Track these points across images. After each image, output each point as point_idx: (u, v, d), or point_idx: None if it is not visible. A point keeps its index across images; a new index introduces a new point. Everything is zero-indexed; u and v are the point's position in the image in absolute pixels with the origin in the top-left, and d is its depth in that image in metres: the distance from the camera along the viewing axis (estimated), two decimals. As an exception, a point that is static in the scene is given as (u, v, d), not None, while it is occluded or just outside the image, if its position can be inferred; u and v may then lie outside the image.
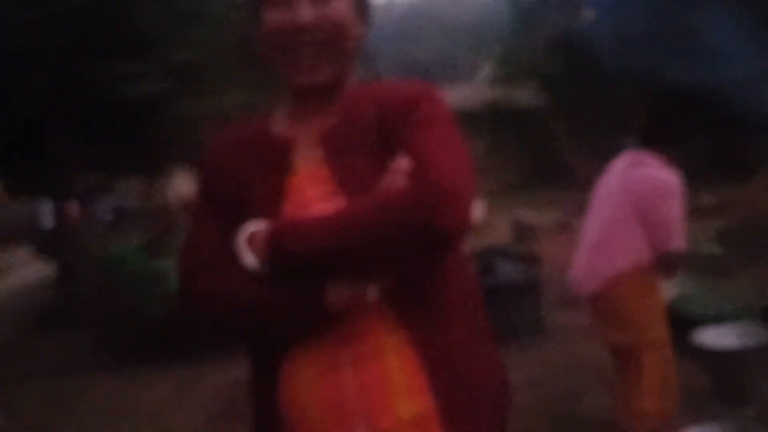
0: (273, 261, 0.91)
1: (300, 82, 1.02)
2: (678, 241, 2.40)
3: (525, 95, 15.71)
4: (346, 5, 1.02)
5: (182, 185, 14.31)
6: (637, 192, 2.44)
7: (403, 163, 0.94)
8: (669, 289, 3.35)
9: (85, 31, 5.00)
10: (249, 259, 0.93)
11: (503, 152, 15.97)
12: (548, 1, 15.87)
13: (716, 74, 10.55)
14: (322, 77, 1.02)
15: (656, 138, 2.54)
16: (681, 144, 2.61)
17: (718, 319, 3.34)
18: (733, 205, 8.66)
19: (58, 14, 4.70)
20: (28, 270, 10.98)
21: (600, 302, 2.55)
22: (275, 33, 1.00)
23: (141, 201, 13.07)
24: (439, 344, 0.95)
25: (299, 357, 0.95)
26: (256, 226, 0.95)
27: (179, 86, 5.70)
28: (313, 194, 1.01)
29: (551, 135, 15.06)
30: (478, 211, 10.27)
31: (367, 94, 1.08)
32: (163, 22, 5.60)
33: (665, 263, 2.46)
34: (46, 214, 11.87)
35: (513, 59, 15.64)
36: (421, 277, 0.96)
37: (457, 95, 17.09)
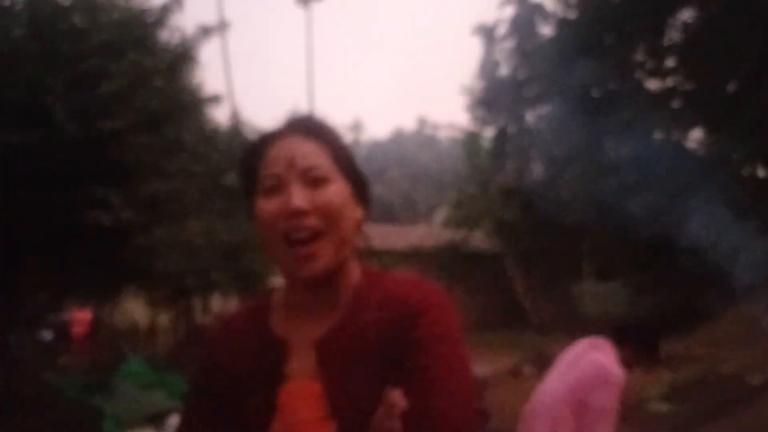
0: None
1: (299, 273, 0.96)
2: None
3: (481, 239, 16.28)
4: (342, 189, 0.99)
5: (133, 310, 13.94)
6: (582, 371, 2.53)
7: (398, 399, 0.87)
8: None
9: (71, 159, 5.19)
10: None
11: (460, 293, 16.20)
12: (503, 151, 17.09)
13: (672, 231, 11.32)
14: (321, 266, 0.95)
15: (624, 336, 2.63)
16: (649, 354, 2.69)
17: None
18: (681, 358, 8.85)
19: (49, 141, 4.89)
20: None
21: None
22: (269, 220, 0.96)
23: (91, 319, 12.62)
24: None
25: None
26: None
27: (145, 216, 5.81)
28: (304, 414, 0.93)
29: (507, 278, 15.49)
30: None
31: (369, 294, 1.02)
32: (143, 154, 5.83)
33: None
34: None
35: (468, 204, 16.39)
36: None
37: (416, 235, 17.65)
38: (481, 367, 8.35)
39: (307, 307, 1.02)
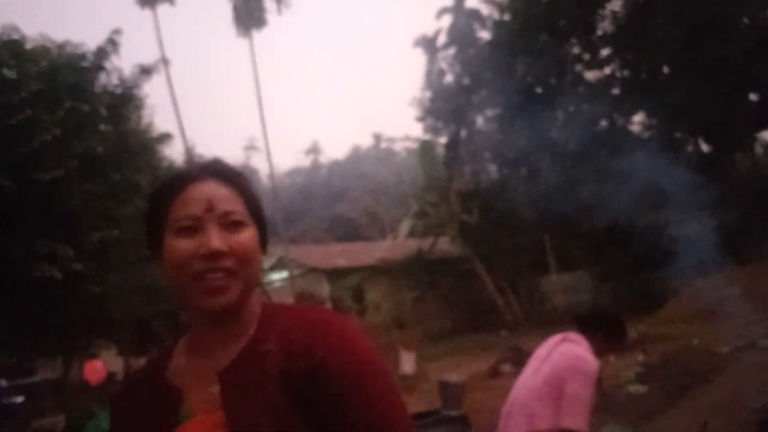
0: None
1: (208, 304, 0.99)
2: (579, 423, 2.40)
3: (446, 246, 16.35)
4: (253, 234, 1.04)
5: (107, 362, 13.54)
6: (556, 362, 2.54)
7: None
8: None
9: (12, 212, 5.03)
10: None
11: (430, 302, 16.22)
12: (458, 157, 17.30)
13: (625, 217, 11.60)
14: (230, 298, 0.99)
15: (591, 327, 2.66)
16: (618, 340, 2.74)
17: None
18: (651, 338, 9.02)
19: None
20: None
21: None
22: (182, 259, 0.98)
23: (60, 377, 12.27)
24: None
25: None
26: None
27: (97, 264, 5.65)
28: None
29: (476, 281, 15.59)
30: (409, 364, 10.17)
31: (270, 325, 1.06)
32: (85, 202, 5.69)
33: None
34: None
35: (430, 212, 16.48)
36: None
37: (382, 249, 17.65)
38: (458, 373, 8.37)
39: (210, 343, 1.05)
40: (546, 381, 2.49)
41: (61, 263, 5.09)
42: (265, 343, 1.03)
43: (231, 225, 1.01)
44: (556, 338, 2.73)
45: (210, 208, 1.01)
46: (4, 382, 12.11)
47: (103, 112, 7.70)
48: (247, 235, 1.02)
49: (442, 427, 4.44)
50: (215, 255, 0.97)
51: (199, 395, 1.01)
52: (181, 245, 0.99)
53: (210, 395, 1.00)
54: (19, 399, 12.13)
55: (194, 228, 1.00)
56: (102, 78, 8.03)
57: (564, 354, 2.55)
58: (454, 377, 7.69)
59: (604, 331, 2.67)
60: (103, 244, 5.90)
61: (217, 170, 1.07)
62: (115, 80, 8.46)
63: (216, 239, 0.98)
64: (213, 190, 1.03)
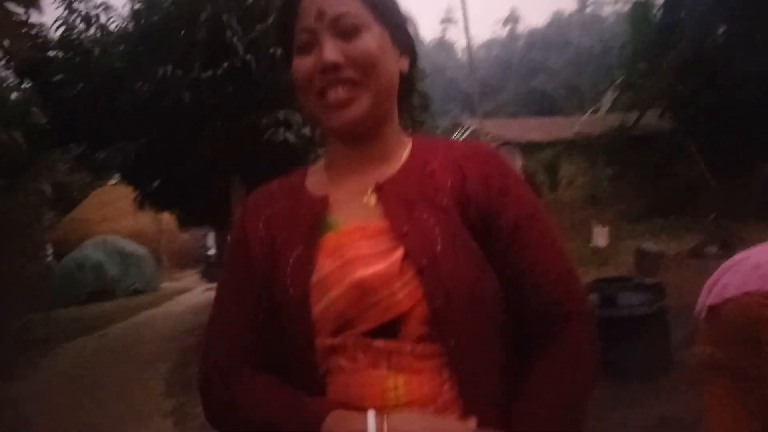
0: None
1: (333, 121, 0.92)
2: None
3: (652, 121, 15.14)
4: (377, 39, 0.92)
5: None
6: None
7: None
8: None
9: (248, 87, 5.98)
10: None
11: (630, 179, 15.44)
12: (678, 18, 15.32)
13: None
14: (356, 112, 0.91)
15: None
16: None
17: None
18: None
19: (228, 74, 5.71)
20: (196, 291, 12.77)
21: (715, 317, 2.48)
22: (304, 77, 0.92)
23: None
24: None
25: None
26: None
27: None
28: (364, 250, 0.88)
29: (680, 160, 14.38)
30: (602, 238, 10.09)
31: (428, 150, 0.99)
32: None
33: None
34: (211, 242, 14.25)
35: (638, 85, 15.17)
36: None
37: (583, 123, 16.88)
38: (657, 246, 8.06)
39: (351, 165, 0.99)
40: None
41: (294, 129, 5.97)
42: (429, 164, 0.96)
43: (345, 31, 0.91)
44: None
45: (320, 15, 0.91)
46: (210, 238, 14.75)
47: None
48: (366, 39, 0.91)
49: (636, 293, 4.43)
50: (330, 68, 0.90)
51: (348, 207, 0.95)
52: (300, 64, 0.93)
53: (362, 207, 0.94)
54: (212, 251, 14.74)
55: (312, 42, 0.92)
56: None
57: None
58: (652, 246, 7.49)
59: None
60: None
61: None
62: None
63: (328, 50, 0.90)
64: None
